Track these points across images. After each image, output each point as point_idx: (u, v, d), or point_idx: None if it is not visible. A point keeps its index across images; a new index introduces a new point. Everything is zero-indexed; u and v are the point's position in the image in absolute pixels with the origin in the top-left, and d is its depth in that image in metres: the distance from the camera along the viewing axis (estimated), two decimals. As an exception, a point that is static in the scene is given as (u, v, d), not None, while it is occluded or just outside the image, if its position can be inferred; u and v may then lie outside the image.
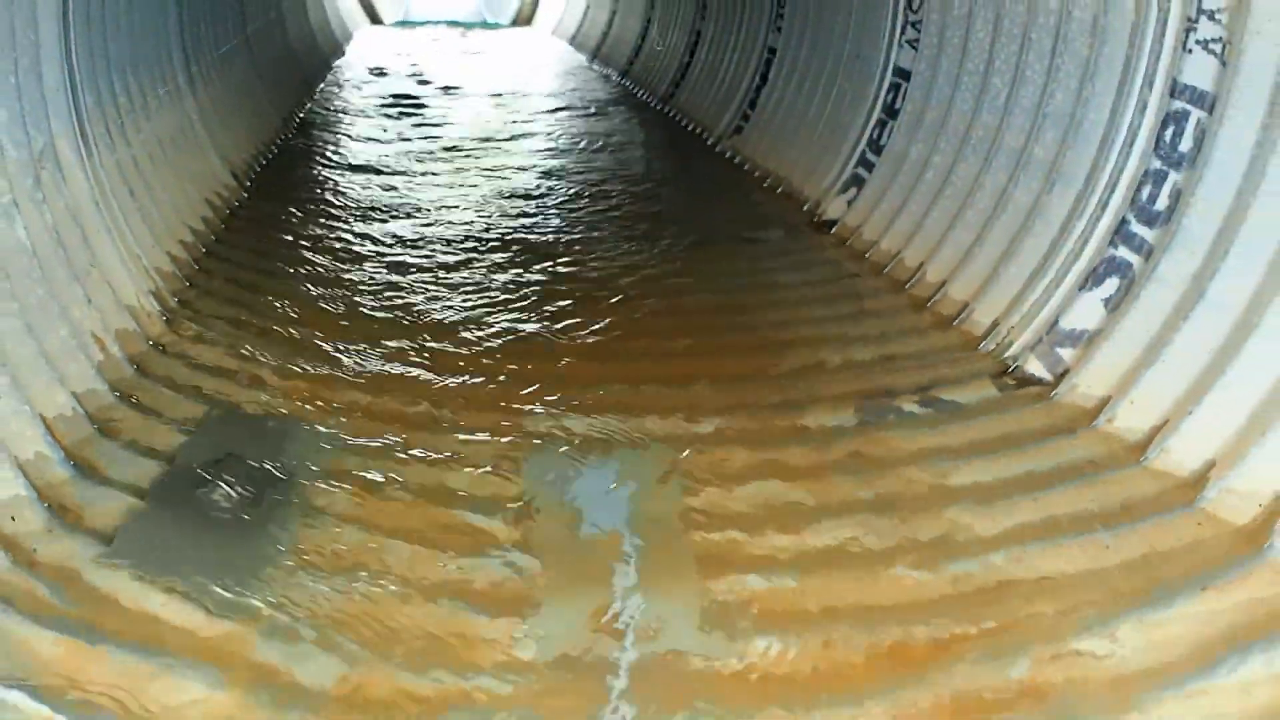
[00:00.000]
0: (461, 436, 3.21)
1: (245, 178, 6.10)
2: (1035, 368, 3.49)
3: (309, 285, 4.55)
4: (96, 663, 2.09)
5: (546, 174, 6.96)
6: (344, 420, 3.26)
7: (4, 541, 2.36)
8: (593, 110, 9.55)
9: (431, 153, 7.59)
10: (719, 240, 5.39)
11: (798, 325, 4.16)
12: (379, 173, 6.89)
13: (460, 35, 16.57)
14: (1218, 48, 3.11)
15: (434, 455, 3.08)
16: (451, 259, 5.03)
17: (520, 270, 4.88)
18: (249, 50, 7.64)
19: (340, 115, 9.03)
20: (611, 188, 6.55)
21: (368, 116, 9.00)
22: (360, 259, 4.99)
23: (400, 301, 4.42)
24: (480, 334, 4.07)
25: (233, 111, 6.50)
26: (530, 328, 4.15)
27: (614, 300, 4.49)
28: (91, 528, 2.53)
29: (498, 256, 5.09)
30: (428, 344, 3.94)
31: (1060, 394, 3.31)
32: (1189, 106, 3.22)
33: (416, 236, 5.40)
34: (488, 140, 8.09)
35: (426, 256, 5.06)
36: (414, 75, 11.62)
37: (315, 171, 6.89)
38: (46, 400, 2.85)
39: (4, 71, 3.14)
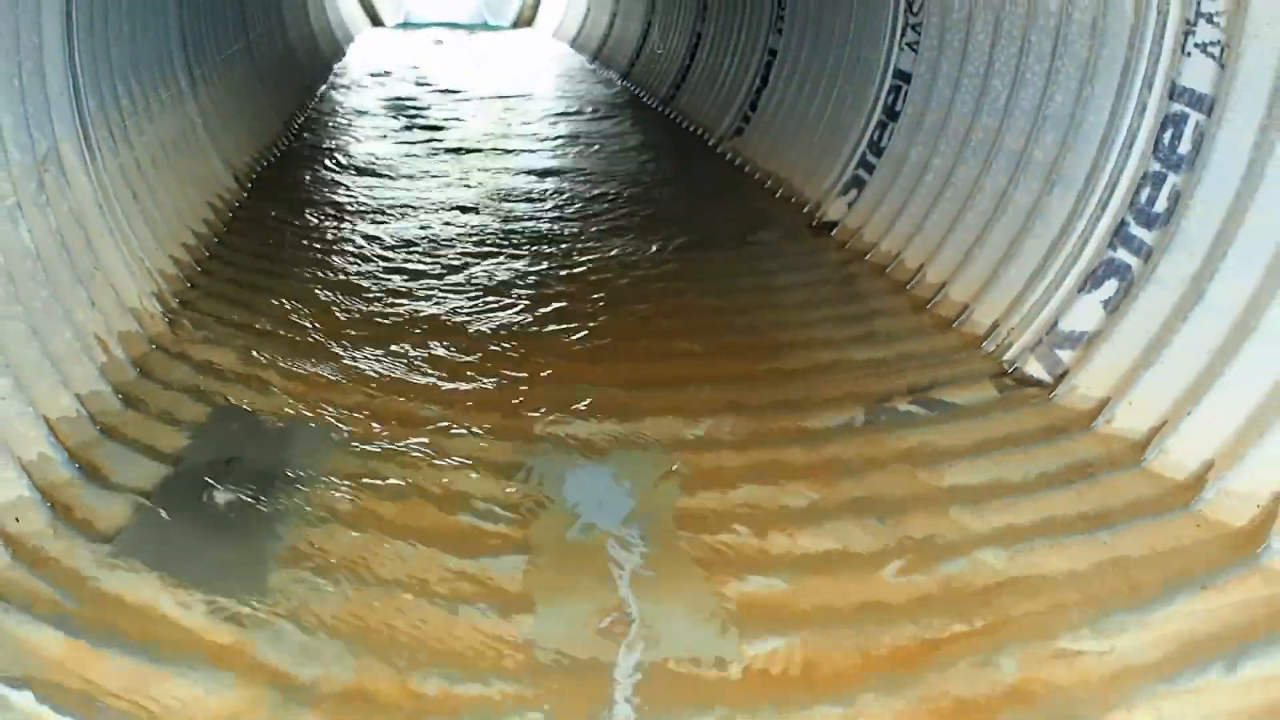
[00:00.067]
0: (463, 437, 3.22)
1: (247, 180, 6.12)
2: (1035, 369, 3.50)
3: (310, 286, 4.57)
4: (100, 663, 2.10)
5: (547, 176, 6.98)
6: (346, 421, 3.27)
7: (8, 542, 2.38)
8: (594, 112, 9.56)
9: (432, 154, 7.60)
10: (719, 241, 5.41)
11: (798, 326, 4.17)
12: (380, 174, 6.91)
13: (461, 37, 16.59)
14: (1216, 51, 3.12)
15: (435, 456, 3.10)
16: (452, 260, 5.04)
17: (521, 271, 4.89)
18: (250, 53, 7.65)
19: (341, 117, 9.05)
20: (612, 189, 6.56)
21: (369, 119, 9.01)
22: (362, 260, 5.01)
23: (401, 302, 4.44)
24: (481, 335, 4.09)
25: (234, 114, 6.52)
26: (531, 329, 4.17)
27: (614, 301, 4.50)
28: (95, 529, 2.55)
29: (499, 258, 5.10)
30: (429, 345, 3.95)
31: (1059, 395, 3.32)
32: (1188, 109, 3.23)
33: (417, 238, 5.41)
34: (489, 142, 8.11)
35: (427, 257, 5.08)
36: (415, 77, 11.64)
37: (316, 173, 6.90)
38: (50, 402, 2.86)
39: (8, 75, 3.16)
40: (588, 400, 3.47)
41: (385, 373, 3.70)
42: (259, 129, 7.12)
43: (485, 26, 18.43)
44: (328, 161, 7.24)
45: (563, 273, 4.89)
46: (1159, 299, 3.12)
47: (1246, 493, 2.57)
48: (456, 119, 9.09)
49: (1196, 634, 2.21)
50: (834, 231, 5.32)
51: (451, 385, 3.62)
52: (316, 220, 5.72)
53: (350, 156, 7.43)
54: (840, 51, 6.06)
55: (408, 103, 9.86)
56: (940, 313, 4.11)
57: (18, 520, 2.46)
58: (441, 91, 10.63)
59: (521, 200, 6.28)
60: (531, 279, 4.79)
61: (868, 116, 5.51)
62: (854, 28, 5.88)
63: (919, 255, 4.52)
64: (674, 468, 3.06)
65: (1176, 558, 2.49)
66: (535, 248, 5.28)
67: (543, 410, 3.41)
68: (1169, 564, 2.46)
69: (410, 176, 6.88)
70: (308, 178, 6.77)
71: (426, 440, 3.19)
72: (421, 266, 4.94)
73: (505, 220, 5.80)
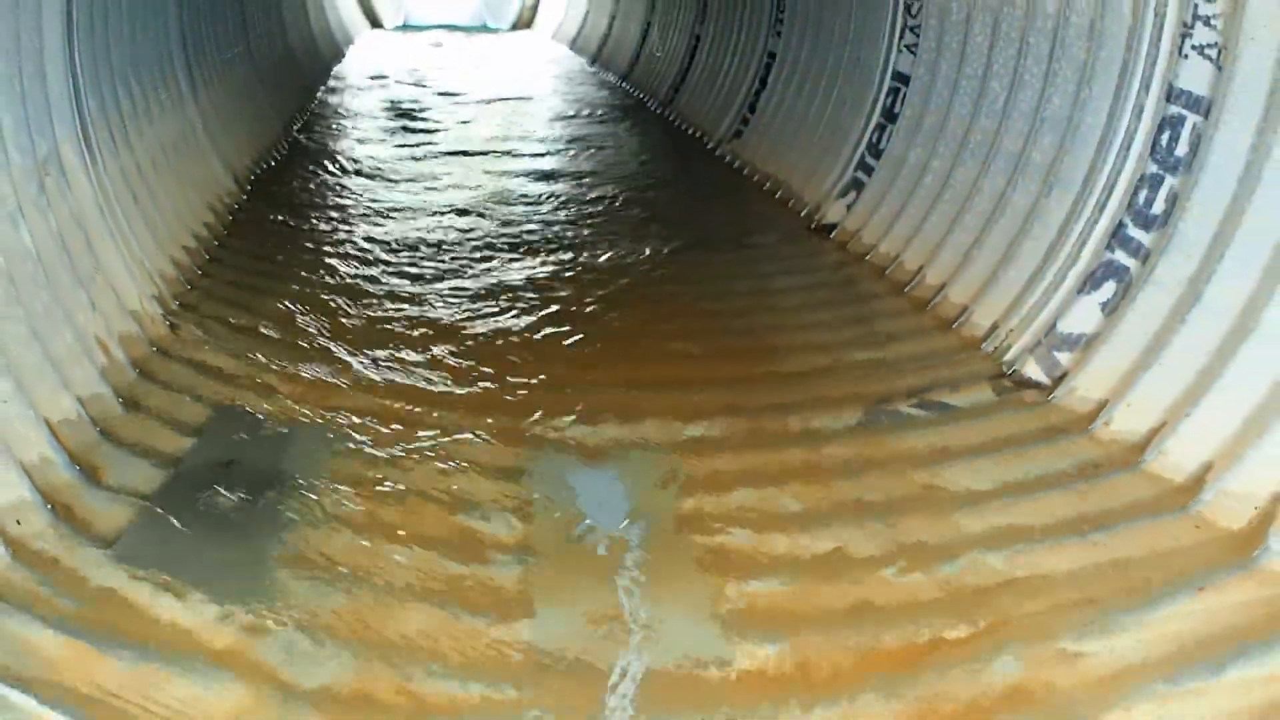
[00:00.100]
0: (462, 440, 3.23)
1: (246, 182, 6.13)
2: (1033, 371, 3.51)
3: (310, 289, 4.57)
4: (101, 664, 2.11)
5: (547, 178, 6.99)
6: (346, 423, 3.28)
7: (9, 544, 2.38)
8: (593, 114, 9.57)
9: (432, 157, 7.61)
10: (718, 244, 5.42)
11: (797, 328, 4.18)
12: (380, 177, 6.92)
13: (460, 39, 16.60)
14: (1213, 53, 3.13)
15: (435, 458, 3.10)
16: (451, 263, 5.05)
17: (520, 274, 4.90)
18: (250, 55, 7.66)
19: (341, 120, 9.06)
20: (612, 191, 6.57)
21: (368, 121, 9.02)
22: (361, 262, 5.01)
23: (401, 305, 4.44)
24: (480, 337, 4.09)
25: (234, 116, 6.53)
26: (530, 332, 4.17)
27: (614, 304, 4.51)
28: (96, 531, 2.55)
29: (498, 260, 5.11)
30: (428, 347, 3.96)
31: (1058, 397, 3.33)
32: (1185, 111, 3.24)
33: (417, 240, 5.42)
34: (488, 144, 8.12)
35: (427, 260, 5.08)
36: (414, 79, 11.65)
37: (316, 175, 6.91)
38: (51, 404, 2.87)
39: (9, 77, 3.17)
40: (587, 403, 3.47)
41: (385, 375, 3.71)
42: (259, 131, 7.12)
43: (484, 28, 18.44)
44: (327, 164, 7.25)
45: (562, 275, 4.90)
46: (1157, 301, 3.13)
47: (1245, 494, 2.58)
48: (456, 121, 9.10)
49: (1195, 635, 2.22)
50: (833, 233, 5.33)
51: (451, 388, 3.62)
52: (316, 222, 5.72)
53: (350, 159, 7.44)
54: (839, 54, 6.07)
55: (407, 105, 9.87)
56: (939, 314, 4.12)
57: (19, 522, 2.46)
58: (441, 94, 10.64)
59: (521, 203, 6.29)
60: (531, 282, 4.80)
61: (866, 118, 5.52)
62: (853, 30, 5.90)
63: (918, 257, 4.53)
64: (673, 470, 3.07)
65: (1175, 559, 2.49)
66: (535, 250, 5.29)
67: (542, 413, 3.42)
68: (1168, 565, 2.47)
69: (410, 179, 6.89)
70: (307, 180, 6.78)
71: (426, 442, 3.20)
72: (421, 269, 4.95)
73: (505, 223, 5.81)
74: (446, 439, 3.23)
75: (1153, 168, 3.36)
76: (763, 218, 5.89)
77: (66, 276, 3.26)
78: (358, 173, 7.03)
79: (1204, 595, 2.33)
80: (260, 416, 3.28)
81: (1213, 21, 3.12)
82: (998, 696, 2.12)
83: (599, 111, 9.71)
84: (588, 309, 4.44)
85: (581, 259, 5.15)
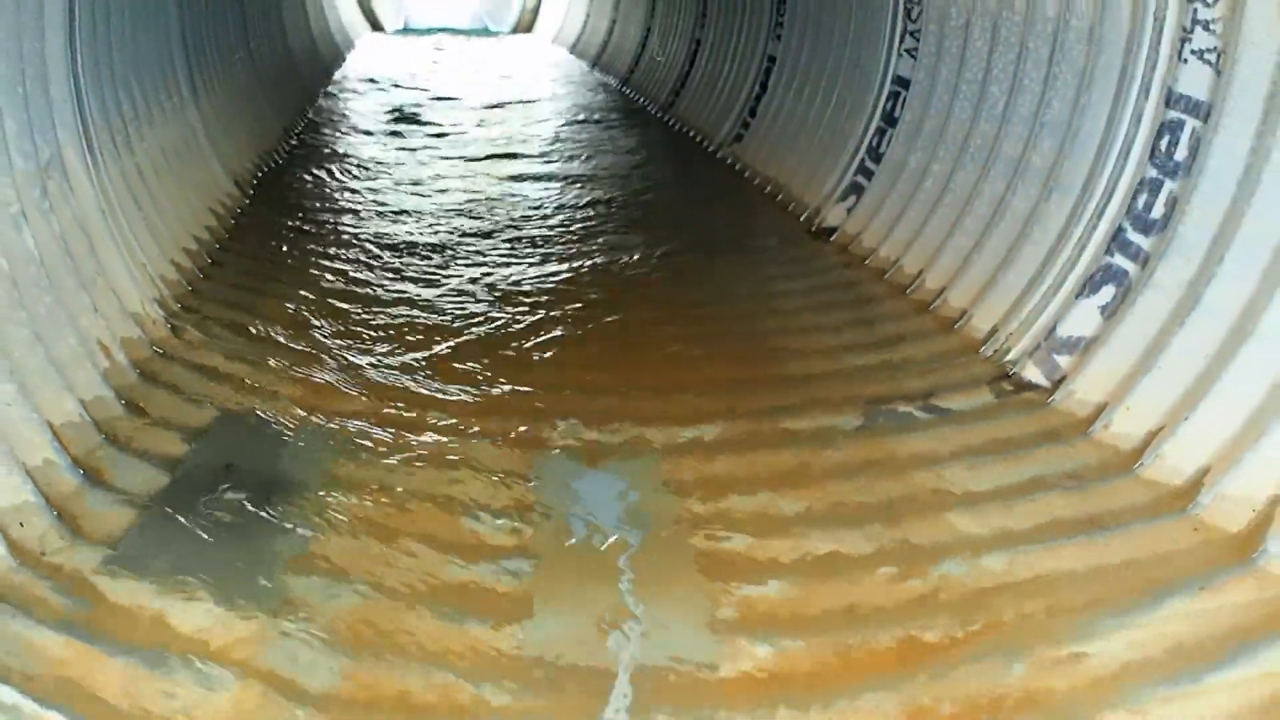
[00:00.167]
0: (463, 443, 3.23)
1: (248, 186, 6.14)
2: (1033, 374, 3.52)
3: (311, 291, 4.58)
4: (104, 666, 2.11)
5: (547, 181, 7.00)
6: (346, 425, 3.29)
7: (13, 547, 2.39)
8: (593, 118, 9.59)
9: (432, 160, 7.62)
10: (719, 247, 5.43)
11: (797, 332, 4.19)
12: (380, 180, 6.93)
13: (460, 43, 16.62)
14: (1213, 58, 3.14)
15: (436, 461, 3.11)
16: (452, 266, 5.06)
17: (521, 277, 4.91)
18: (251, 59, 7.68)
19: (341, 123, 9.07)
20: (612, 195, 6.58)
21: (369, 124, 9.04)
22: (362, 266, 5.03)
23: (401, 307, 4.45)
24: (481, 340, 4.10)
25: (235, 120, 6.55)
26: (531, 335, 4.18)
27: (614, 307, 4.52)
28: (98, 533, 2.56)
29: (498, 263, 5.12)
30: (429, 350, 3.97)
31: (1057, 400, 3.34)
32: (1184, 116, 3.25)
33: (417, 244, 5.43)
34: (488, 148, 8.13)
35: (427, 263, 5.09)
36: (414, 83, 11.67)
37: (317, 179, 6.92)
38: (54, 407, 2.88)
39: (11, 83, 3.18)
40: (588, 406, 3.48)
41: (386, 377, 3.71)
42: (260, 135, 7.14)
43: (485, 32, 18.48)
44: (328, 167, 7.26)
45: (562, 278, 4.91)
46: (1156, 304, 3.14)
47: (1243, 497, 2.59)
48: (456, 125, 9.12)
49: (1194, 636, 2.23)
50: (833, 237, 5.34)
51: (453, 390, 3.63)
52: (317, 226, 5.74)
53: (350, 162, 7.45)
54: (839, 58, 6.08)
55: (407, 109, 9.89)
56: (939, 317, 4.13)
57: (22, 525, 2.47)
58: (441, 97, 10.66)
59: (521, 206, 6.30)
60: (531, 285, 4.81)
61: (866, 122, 5.54)
62: (853, 34, 5.91)
63: (918, 261, 4.54)
64: (673, 472, 3.07)
65: (1173, 561, 2.50)
66: (535, 253, 5.30)
67: (543, 415, 3.42)
68: (1166, 568, 2.48)
69: (411, 182, 6.90)
70: (308, 183, 6.79)
71: (427, 445, 3.20)
72: (422, 271, 4.96)
73: (505, 226, 5.82)
74: (447, 441, 3.24)
75: (1152, 172, 3.37)
76: (763, 221, 5.90)
77: (69, 280, 3.27)
78: (358, 176, 7.04)
79: (1202, 597, 2.33)
80: (262, 419, 3.29)
81: (1212, 26, 3.13)
82: (997, 698, 2.12)
83: (600, 115, 9.73)
84: (588, 311, 4.45)
85: (582, 262, 5.16)
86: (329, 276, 4.84)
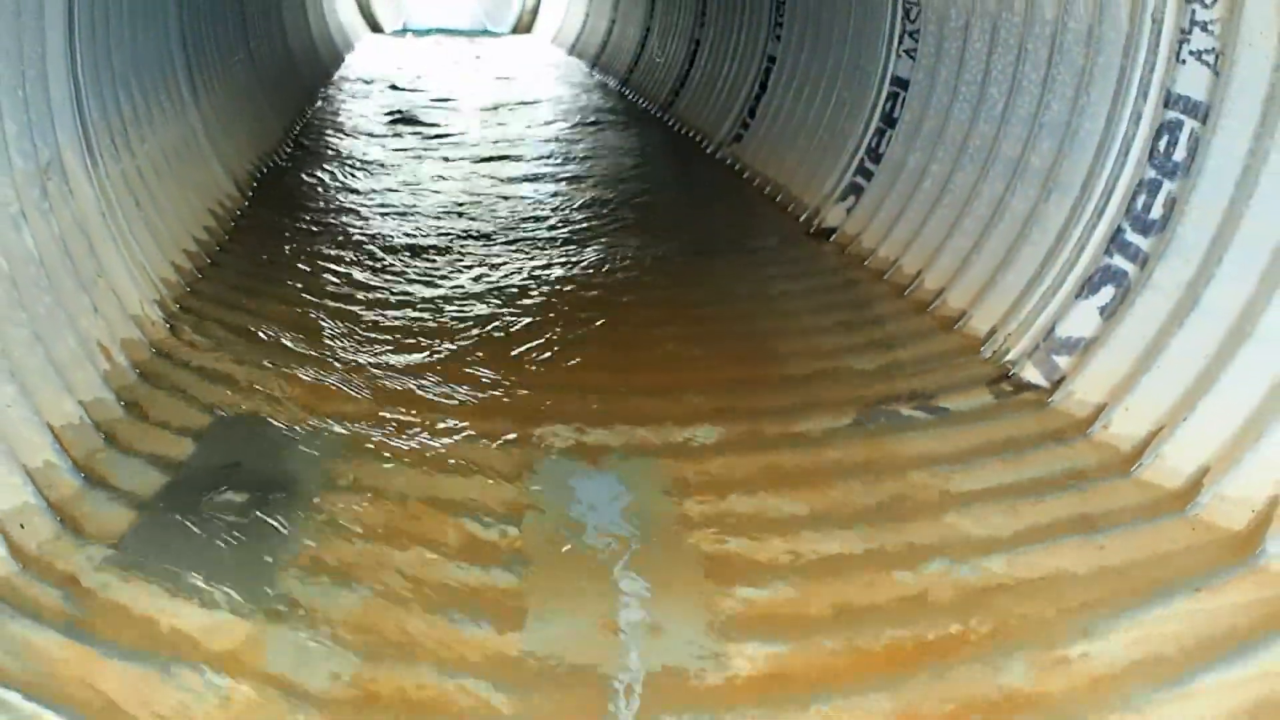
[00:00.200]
0: (463, 444, 3.24)
1: (247, 187, 6.15)
2: (1032, 375, 3.52)
3: (311, 293, 4.58)
4: (104, 667, 2.11)
5: (546, 182, 7.00)
6: (347, 427, 3.29)
7: (13, 548, 2.39)
8: (593, 119, 9.59)
9: (432, 161, 7.63)
10: (719, 247, 5.43)
11: (796, 332, 4.19)
12: (380, 181, 6.94)
13: (460, 44, 16.63)
14: (1211, 58, 3.14)
15: (436, 462, 3.11)
16: (452, 267, 5.06)
17: (520, 278, 4.91)
18: (251, 60, 7.68)
19: (341, 124, 9.08)
20: (611, 195, 6.59)
21: (368, 125, 9.04)
22: (362, 266, 5.03)
23: (401, 308, 4.45)
24: (481, 341, 4.10)
25: (235, 121, 6.55)
26: (530, 335, 4.18)
27: (613, 308, 4.53)
28: (99, 534, 2.56)
29: (498, 264, 5.12)
30: (429, 351, 3.97)
31: (1057, 401, 3.34)
32: (1183, 116, 3.26)
33: (417, 244, 5.43)
34: (488, 149, 8.13)
35: (427, 264, 5.10)
36: (414, 84, 11.67)
37: (316, 180, 6.93)
38: (54, 409, 2.88)
39: (11, 84, 3.18)
40: (587, 406, 3.48)
41: (385, 378, 3.72)
42: (260, 136, 7.14)
43: (484, 33, 18.48)
44: (328, 168, 7.27)
45: (562, 279, 4.92)
46: (1155, 305, 3.15)
47: (1242, 497, 2.59)
48: (455, 126, 9.12)
49: (1194, 636, 2.23)
50: (833, 237, 5.34)
51: (452, 391, 3.63)
52: (317, 227, 5.74)
53: (350, 163, 7.46)
54: (839, 58, 6.09)
55: (407, 109, 9.89)
56: (938, 318, 4.13)
57: (22, 526, 2.47)
58: (440, 98, 10.66)
59: (520, 207, 6.30)
60: (531, 285, 4.81)
61: (866, 123, 5.54)
62: (852, 34, 5.92)
63: (917, 261, 4.54)
64: (673, 473, 3.07)
65: (1172, 562, 2.50)
66: (534, 254, 5.31)
67: (542, 416, 3.42)
68: (1165, 568, 2.48)
69: (410, 183, 6.90)
70: (308, 184, 6.79)
71: (426, 446, 3.21)
72: (422, 272, 4.96)
73: (504, 227, 5.82)
74: (446, 443, 3.24)
75: (1151, 173, 3.37)
76: (762, 221, 5.90)
77: (69, 281, 3.27)
78: (358, 177, 7.05)
79: (1202, 597, 2.34)
80: (262, 420, 3.29)
81: (1210, 27, 3.14)
82: (996, 699, 2.12)
83: (599, 116, 9.73)
84: (587, 312, 4.45)
85: (581, 262, 5.16)
86: (329, 277, 4.84)
